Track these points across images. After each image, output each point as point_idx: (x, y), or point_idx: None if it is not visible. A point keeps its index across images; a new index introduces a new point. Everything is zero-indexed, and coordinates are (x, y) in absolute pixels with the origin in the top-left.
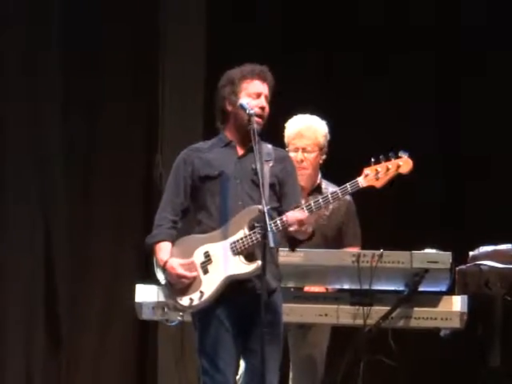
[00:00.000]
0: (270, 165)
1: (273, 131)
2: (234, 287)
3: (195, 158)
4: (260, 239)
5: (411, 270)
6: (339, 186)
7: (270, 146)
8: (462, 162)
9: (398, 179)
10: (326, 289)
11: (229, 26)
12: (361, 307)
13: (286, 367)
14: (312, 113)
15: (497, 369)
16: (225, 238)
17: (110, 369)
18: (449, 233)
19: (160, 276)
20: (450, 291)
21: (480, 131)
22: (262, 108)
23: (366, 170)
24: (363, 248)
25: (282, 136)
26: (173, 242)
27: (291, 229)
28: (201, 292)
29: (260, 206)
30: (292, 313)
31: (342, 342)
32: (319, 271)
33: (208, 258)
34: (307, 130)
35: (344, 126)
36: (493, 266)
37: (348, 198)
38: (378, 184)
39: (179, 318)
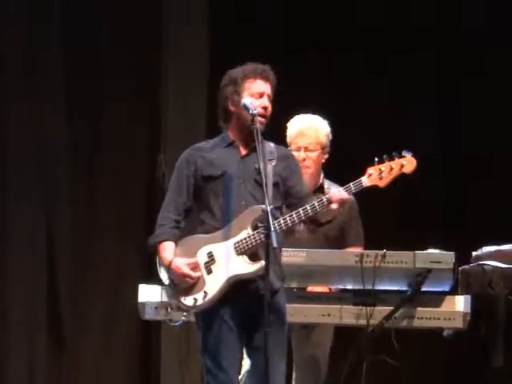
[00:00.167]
0: (273, 164)
1: (274, 131)
2: (237, 287)
3: (198, 157)
4: (263, 239)
5: (414, 270)
6: (342, 186)
7: (272, 144)
8: (464, 161)
9: (401, 179)
10: (329, 289)
11: (231, 26)
12: (364, 307)
13: (289, 367)
14: (314, 112)
15: (500, 369)
16: (228, 238)
17: (113, 369)
18: (452, 233)
19: (163, 276)
20: (453, 291)
21: (481, 131)
22: (265, 108)
23: (370, 170)
24: (366, 248)
25: (284, 136)
26: (176, 242)
27: (333, 206)
28: (204, 292)
29: (263, 206)
30: (295, 313)
31: (345, 342)
32: (322, 271)
33: (211, 258)
34: (309, 129)
35: (345, 125)
36: (496, 266)
37: (351, 197)
38: (382, 183)
39: (183, 318)
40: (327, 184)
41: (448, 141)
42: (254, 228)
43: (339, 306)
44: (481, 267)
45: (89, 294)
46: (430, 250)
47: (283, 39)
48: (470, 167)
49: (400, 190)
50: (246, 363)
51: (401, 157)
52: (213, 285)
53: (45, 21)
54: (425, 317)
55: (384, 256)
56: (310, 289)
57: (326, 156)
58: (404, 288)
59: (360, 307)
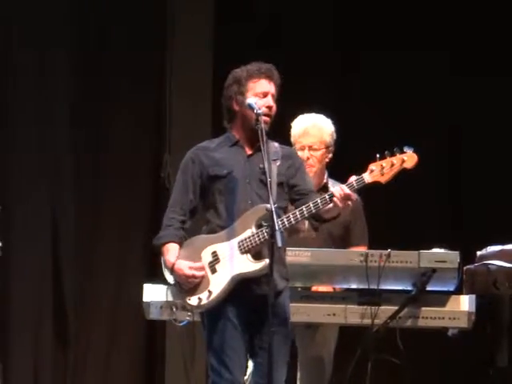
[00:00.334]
0: (278, 164)
1: (277, 131)
2: (242, 286)
3: (203, 157)
4: (267, 237)
5: (419, 270)
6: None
7: (276, 144)
8: (465, 162)
9: (406, 178)
10: (334, 288)
11: (236, 26)
12: (368, 307)
13: (294, 367)
14: (317, 112)
15: (505, 368)
16: (232, 237)
17: (119, 368)
18: (457, 232)
19: (168, 277)
20: (458, 291)
21: (482, 130)
22: (269, 107)
23: (372, 166)
24: (370, 248)
25: (288, 135)
26: (180, 243)
27: (336, 201)
28: (209, 291)
29: (268, 205)
30: (300, 313)
31: (350, 342)
32: (327, 271)
33: (216, 257)
34: (313, 128)
35: (347, 125)
36: (501, 266)
37: (355, 196)
38: (383, 179)
39: (188, 317)
40: (331, 183)
41: (451, 139)
42: (258, 227)
43: (344, 306)
44: (486, 267)
45: (94, 294)
46: (435, 250)
47: (288, 39)
48: (473, 166)
49: (405, 190)
50: (252, 364)
51: (402, 152)
52: (217, 284)
53: (54, 21)
54: (429, 316)
55: (389, 255)
56: (314, 288)
57: (330, 155)
58: (409, 287)
59: (365, 307)
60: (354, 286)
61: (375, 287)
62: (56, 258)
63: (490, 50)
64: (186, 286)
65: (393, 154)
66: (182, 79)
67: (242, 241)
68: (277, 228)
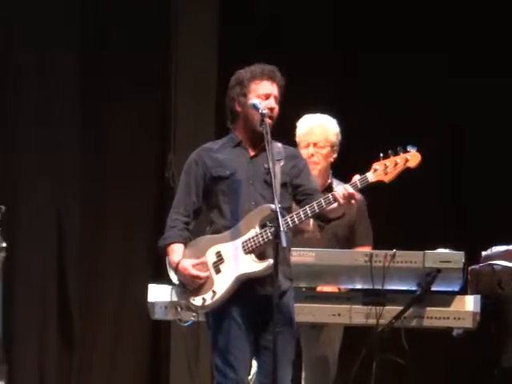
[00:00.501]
0: (281, 164)
1: (277, 132)
2: (246, 286)
3: (206, 158)
4: (271, 237)
5: (424, 270)
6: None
7: (280, 144)
8: (470, 162)
9: (411, 178)
10: (339, 289)
11: (240, 26)
12: (373, 307)
13: (299, 367)
14: (322, 112)
15: (510, 368)
16: (236, 237)
17: (123, 368)
18: (461, 232)
19: (173, 277)
20: (463, 291)
21: (483, 129)
22: (271, 109)
23: (375, 165)
24: (375, 248)
25: (291, 136)
26: (185, 243)
27: (339, 199)
28: (213, 291)
29: (272, 206)
30: (304, 313)
31: (355, 342)
32: (332, 271)
33: (220, 257)
34: (318, 127)
35: (348, 125)
36: (506, 266)
37: (359, 196)
38: (387, 178)
39: (192, 318)
40: (336, 183)
41: (455, 140)
42: (262, 227)
43: (349, 306)
44: (490, 267)
45: (99, 294)
46: (440, 250)
47: (292, 39)
48: (476, 166)
49: (409, 190)
50: (256, 364)
51: (405, 152)
52: (221, 284)
53: (58, 21)
54: (434, 316)
55: (393, 256)
56: (319, 289)
57: (335, 155)
58: (413, 288)
59: (369, 307)
60: (358, 286)
61: (380, 287)
62: (60, 258)
63: (490, 51)
64: (191, 286)
65: (396, 154)
66: (187, 79)
67: (246, 241)
68: (282, 228)
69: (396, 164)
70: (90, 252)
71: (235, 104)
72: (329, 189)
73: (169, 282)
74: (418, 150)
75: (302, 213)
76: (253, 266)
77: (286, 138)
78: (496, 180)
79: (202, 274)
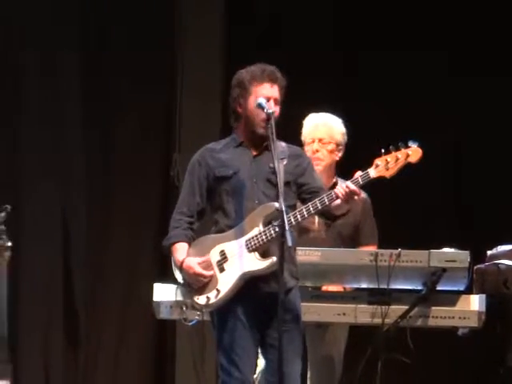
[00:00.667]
0: (284, 163)
1: (278, 132)
2: (250, 285)
3: (209, 158)
4: (274, 235)
5: (429, 269)
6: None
7: (283, 143)
8: (475, 161)
9: (415, 178)
10: (344, 288)
11: (246, 26)
12: (379, 306)
13: (304, 366)
14: (325, 111)
15: None
16: (240, 235)
17: (129, 367)
18: (467, 232)
19: (178, 276)
20: (468, 290)
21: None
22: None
23: (377, 161)
24: (380, 247)
25: (294, 135)
26: (189, 243)
27: (341, 197)
28: (217, 290)
29: (277, 204)
30: (310, 312)
31: (360, 341)
32: (337, 270)
33: (224, 256)
34: (324, 126)
35: (349, 125)
36: (511, 265)
37: (364, 195)
38: (388, 174)
39: (197, 317)
40: (340, 182)
41: (458, 140)
42: (266, 225)
43: (354, 305)
44: (496, 266)
45: (104, 293)
46: (445, 249)
47: (295, 39)
48: (482, 166)
49: (414, 189)
50: (261, 363)
51: (407, 147)
52: (225, 283)
53: (63, 21)
54: (440, 316)
55: (399, 255)
56: (324, 288)
57: (340, 154)
58: (419, 287)
59: (375, 306)
60: (364, 286)
61: (385, 287)
62: (66, 258)
63: (490, 50)
64: (195, 284)
65: (397, 149)
66: (192, 79)
67: (249, 239)
68: (287, 227)
69: (397, 159)
70: (96, 251)
71: (236, 105)
72: (334, 188)
73: (174, 281)
74: (419, 145)
75: (304, 210)
76: (256, 264)
77: (286, 138)
78: (501, 179)
79: (206, 273)
